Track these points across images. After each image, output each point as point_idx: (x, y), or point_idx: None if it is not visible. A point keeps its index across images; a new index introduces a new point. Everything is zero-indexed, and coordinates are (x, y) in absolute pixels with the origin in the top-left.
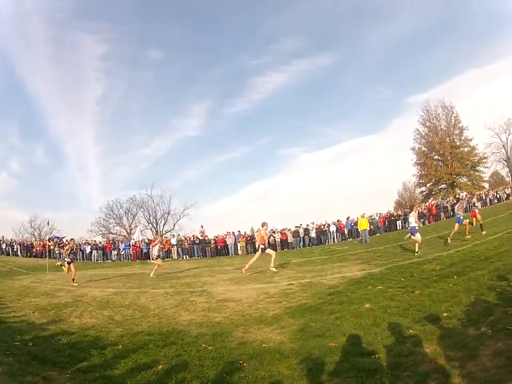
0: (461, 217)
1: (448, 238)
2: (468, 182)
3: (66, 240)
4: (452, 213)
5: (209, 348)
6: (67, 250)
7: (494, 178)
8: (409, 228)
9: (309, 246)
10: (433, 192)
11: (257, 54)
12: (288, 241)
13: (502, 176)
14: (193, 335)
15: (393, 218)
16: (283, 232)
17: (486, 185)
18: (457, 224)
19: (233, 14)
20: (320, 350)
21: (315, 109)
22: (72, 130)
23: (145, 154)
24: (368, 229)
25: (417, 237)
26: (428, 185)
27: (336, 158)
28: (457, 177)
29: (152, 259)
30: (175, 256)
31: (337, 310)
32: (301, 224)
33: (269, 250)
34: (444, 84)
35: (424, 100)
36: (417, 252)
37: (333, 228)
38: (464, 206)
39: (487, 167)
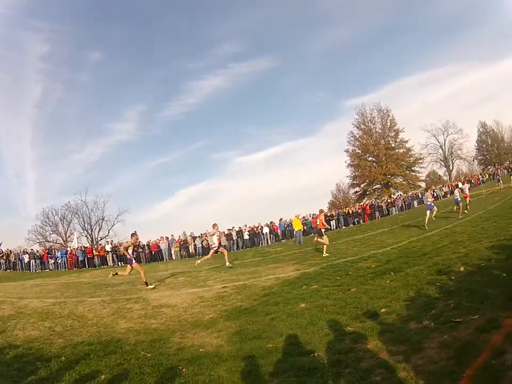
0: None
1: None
2: (403, 182)
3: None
4: (387, 212)
5: (148, 355)
6: (129, 247)
7: (431, 177)
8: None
9: (242, 248)
10: (367, 192)
11: (196, 57)
12: (222, 244)
13: (439, 175)
14: (131, 343)
15: (327, 218)
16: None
17: (423, 184)
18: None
19: (173, 17)
20: (258, 352)
21: (251, 112)
22: (9, 134)
23: (80, 159)
24: (302, 229)
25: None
26: (362, 185)
27: (270, 161)
28: (392, 177)
29: (212, 249)
30: (110, 263)
31: (272, 311)
32: (233, 227)
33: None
34: (383, 88)
35: (361, 104)
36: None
37: (266, 230)
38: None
39: (423, 167)
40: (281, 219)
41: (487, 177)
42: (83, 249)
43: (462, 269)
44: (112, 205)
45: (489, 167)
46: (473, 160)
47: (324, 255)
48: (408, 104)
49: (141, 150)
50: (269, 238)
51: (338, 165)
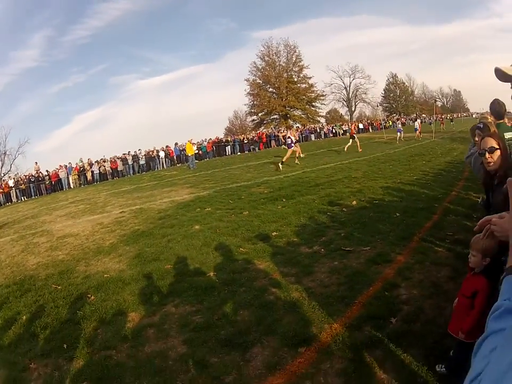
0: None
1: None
2: (303, 115)
3: None
4: (284, 141)
5: (59, 287)
6: None
7: (331, 114)
8: None
9: (138, 172)
10: (264, 122)
11: None
12: (119, 169)
13: (341, 114)
14: (43, 278)
15: (222, 144)
16: (113, 160)
17: (323, 120)
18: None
19: None
20: (158, 274)
21: (154, 37)
22: None
23: None
24: (194, 154)
25: None
26: (260, 114)
27: (169, 85)
28: (292, 109)
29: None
30: (14, 199)
31: (168, 233)
32: (129, 151)
33: None
34: (294, 24)
35: (268, 37)
36: None
37: (161, 154)
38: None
39: (324, 104)
40: (176, 143)
41: (390, 123)
42: None
43: (354, 203)
44: (14, 137)
45: (394, 115)
46: (377, 106)
47: None
48: (319, 44)
49: (44, 76)
50: (164, 162)
51: (237, 93)
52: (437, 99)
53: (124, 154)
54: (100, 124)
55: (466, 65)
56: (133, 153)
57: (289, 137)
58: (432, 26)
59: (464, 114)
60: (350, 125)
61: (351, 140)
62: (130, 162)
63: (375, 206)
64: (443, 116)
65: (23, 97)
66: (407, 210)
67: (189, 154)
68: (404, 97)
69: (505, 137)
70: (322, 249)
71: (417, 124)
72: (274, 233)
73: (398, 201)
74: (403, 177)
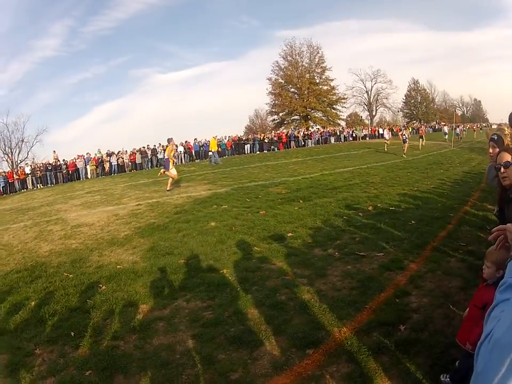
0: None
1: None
2: (323, 117)
3: None
4: (303, 143)
5: (71, 275)
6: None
7: (352, 118)
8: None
9: (156, 166)
10: (285, 122)
11: None
12: (137, 162)
13: (361, 117)
14: (54, 265)
15: (241, 142)
16: (132, 153)
17: (343, 123)
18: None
19: None
20: (171, 267)
21: (176, 31)
22: None
23: (3, 79)
24: (217, 150)
25: (172, 172)
26: (281, 114)
27: (190, 81)
28: (312, 111)
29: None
30: (30, 186)
31: (184, 228)
32: (148, 145)
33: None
34: (317, 25)
35: (291, 36)
36: (169, 190)
37: (180, 149)
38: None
39: (345, 107)
40: (195, 139)
41: (411, 130)
42: (4, 174)
43: (370, 208)
44: (32, 125)
45: (415, 121)
46: (398, 111)
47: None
48: (342, 46)
49: (64, 66)
50: (183, 157)
51: (259, 92)
52: (457, 108)
53: (143, 147)
54: (119, 116)
55: (486, 74)
56: (152, 147)
57: None
58: (454, 33)
59: (484, 124)
60: (404, 126)
61: (420, 140)
62: (149, 156)
63: (391, 213)
64: (474, 125)
65: (43, 86)
66: (422, 218)
67: (213, 150)
68: (424, 104)
69: None
70: (337, 253)
71: (386, 133)
72: (290, 234)
73: (414, 209)
74: (420, 184)
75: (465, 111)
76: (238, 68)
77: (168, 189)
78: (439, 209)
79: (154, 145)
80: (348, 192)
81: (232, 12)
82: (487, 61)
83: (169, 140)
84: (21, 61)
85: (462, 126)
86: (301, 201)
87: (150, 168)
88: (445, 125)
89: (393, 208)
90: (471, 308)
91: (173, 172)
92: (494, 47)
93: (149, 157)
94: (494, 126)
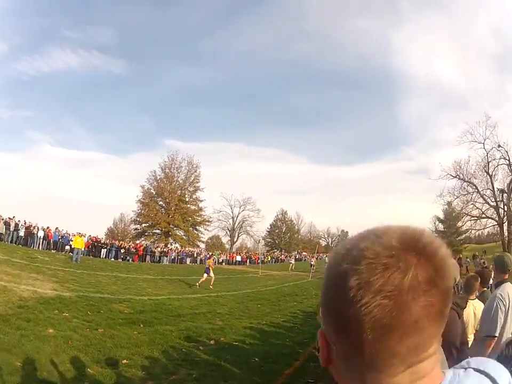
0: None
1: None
2: (184, 236)
3: None
4: (158, 259)
5: None
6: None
7: (213, 241)
8: None
9: (15, 244)
10: (146, 233)
11: None
12: (0, 232)
13: (222, 241)
14: None
15: (99, 245)
16: None
17: (202, 245)
18: (205, 275)
19: None
20: (8, 368)
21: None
22: None
23: None
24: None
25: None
26: (144, 225)
27: (72, 162)
28: (175, 228)
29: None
30: None
31: (23, 327)
32: (14, 216)
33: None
34: (207, 142)
35: (176, 149)
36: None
37: (41, 233)
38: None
39: (208, 230)
40: (57, 228)
41: (269, 259)
42: None
43: (212, 342)
44: None
45: (275, 250)
46: (259, 241)
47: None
48: (220, 167)
49: None
50: (41, 243)
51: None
52: (322, 239)
53: (10, 218)
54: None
55: (360, 205)
56: (16, 221)
57: None
58: (335, 167)
59: None
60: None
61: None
62: (12, 228)
63: (234, 348)
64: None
65: None
66: (267, 355)
67: (77, 248)
68: (288, 234)
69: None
70: None
71: None
72: (125, 361)
73: (259, 345)
74: (270, 318)
75: (329, 241)
76: (119, 165)
77: (199, 283)
78: (287, 345)
79: (19, 220)
80: (192, 322)
81: (140, 109)
82: (363, 193)
83: (210, 256)
84: None
85: (325, 255)
86: (141, 325)
87: (9, 242)
88: (312, 256)
89: (237, 343)
90: None
91: (211, 274)
92: (374, 179)
93: (11, 230)
94: None
